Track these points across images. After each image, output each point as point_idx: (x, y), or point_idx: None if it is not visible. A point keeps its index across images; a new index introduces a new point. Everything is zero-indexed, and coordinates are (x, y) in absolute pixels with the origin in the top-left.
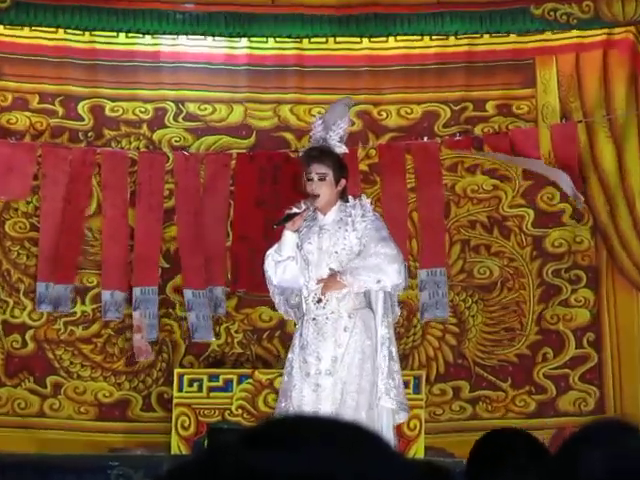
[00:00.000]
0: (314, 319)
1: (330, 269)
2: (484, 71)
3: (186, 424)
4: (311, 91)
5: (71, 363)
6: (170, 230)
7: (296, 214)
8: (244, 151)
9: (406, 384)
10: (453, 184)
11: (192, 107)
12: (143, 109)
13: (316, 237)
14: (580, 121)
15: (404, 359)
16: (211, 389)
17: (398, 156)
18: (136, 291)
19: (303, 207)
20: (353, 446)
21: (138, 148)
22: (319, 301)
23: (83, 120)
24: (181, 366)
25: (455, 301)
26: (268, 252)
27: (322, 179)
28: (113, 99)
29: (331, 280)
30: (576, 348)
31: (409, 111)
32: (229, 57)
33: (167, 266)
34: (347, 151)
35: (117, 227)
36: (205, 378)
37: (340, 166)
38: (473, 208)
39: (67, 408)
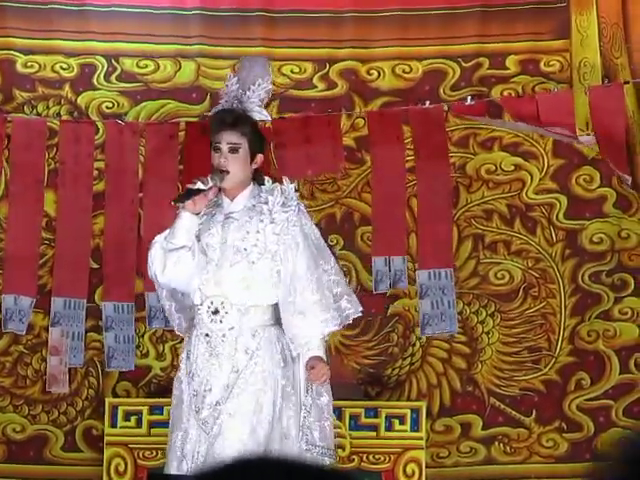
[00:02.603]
0: (207, 335)
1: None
2: (504, 17)
3: (121, 468)
4: (281, 43)
5: None
6: (100, 221)
7: (200, 191)
8: (196, 119)
9: (402, 418)
10: (463, 163)
11: (129, 63)
12: (65, 65)
13: (219, 228)
14: (627, 82)
15: (398, 387)
16: (153, 424)
17: (393, 127)
18: (57, 302)
19: (210, 184)
20: None
21: (59, 115)
22: (216, 312)
23: None
24: (114, 395)
25: (465, 313)
26: (156, 238)
27: (234, 151)
28: (26, 51)
29: (324, 367)
30: (620, 373)
31: (407, 69)
32: None
33: (96, 267)
34: (269, 118)
35: (27, 216)
36: (145, 410)
37: (257, 137)
38: (489, 194)
39: None
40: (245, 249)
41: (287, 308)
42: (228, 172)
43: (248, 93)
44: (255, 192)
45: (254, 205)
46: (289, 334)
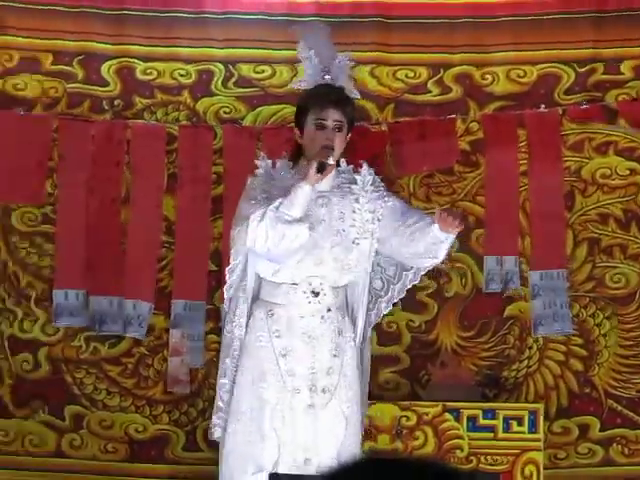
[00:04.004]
0: (302, 317)
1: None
2: (619, 22)
3: None
4: (397, 49)
5: (95, 389)
6: (219, 225)
7: (329, 165)
8: None
9: (520, 420)
10: (578, 167)
11: (246, 69)
12: (183, 72)
13: (313, 207)
14: None
15: (516, 388)
16: None
17: (507, 130)
18: (177, 305)
19: (333, 161)
20: None
21: (178, 120)
22: (315, 293)
23: (108, 85)
24: None
25: (582, 316)
26: (268, 208)
27: (339, 129)
28: (146, 59)
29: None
30: None
31: (521, 74)
32: (292, 5)
33: (215, 269)
34: (358, 96)
35: (149, 221)
36: None
37: (354, 118)
38: (604, 198)
39: (91, 446)
40: (343, 230)
41: (404, 232)
42: (333, 148)
43: (333, 68)
44: (335, 172)
45: (339, 185)
46: (416, 249)
